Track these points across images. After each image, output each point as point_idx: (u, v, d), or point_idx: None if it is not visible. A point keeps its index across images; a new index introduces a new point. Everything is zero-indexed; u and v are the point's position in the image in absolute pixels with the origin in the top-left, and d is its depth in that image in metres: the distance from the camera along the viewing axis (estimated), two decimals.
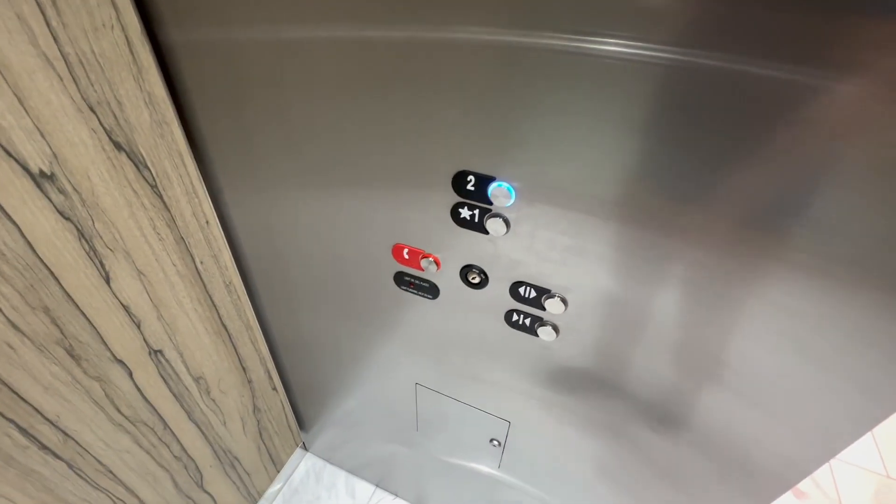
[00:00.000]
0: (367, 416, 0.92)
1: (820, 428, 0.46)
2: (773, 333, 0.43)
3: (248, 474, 0.96)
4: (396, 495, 1.15)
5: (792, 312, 0.40)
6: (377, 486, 1.16)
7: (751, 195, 0.36)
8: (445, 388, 0.72)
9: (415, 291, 0.59)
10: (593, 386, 0.58)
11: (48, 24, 0.40)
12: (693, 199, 0.38)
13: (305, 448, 1.22)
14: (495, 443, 0.75)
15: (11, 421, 0.49)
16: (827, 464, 1.31)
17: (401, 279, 0.59)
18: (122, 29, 0.46)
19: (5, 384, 0.47)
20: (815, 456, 0.49)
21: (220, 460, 0.84)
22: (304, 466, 1.20)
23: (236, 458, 0.89)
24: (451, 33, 0.37)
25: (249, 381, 0.85)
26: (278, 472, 1.09)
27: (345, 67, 0.43)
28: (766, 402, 0.47)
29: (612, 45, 0.33)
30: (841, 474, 1.29)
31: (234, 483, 0.92)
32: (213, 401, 0.77)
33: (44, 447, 0.53)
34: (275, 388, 0.94)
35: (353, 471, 1.18)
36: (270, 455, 1.02)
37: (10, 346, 0.46)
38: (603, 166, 0.39)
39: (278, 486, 1.16)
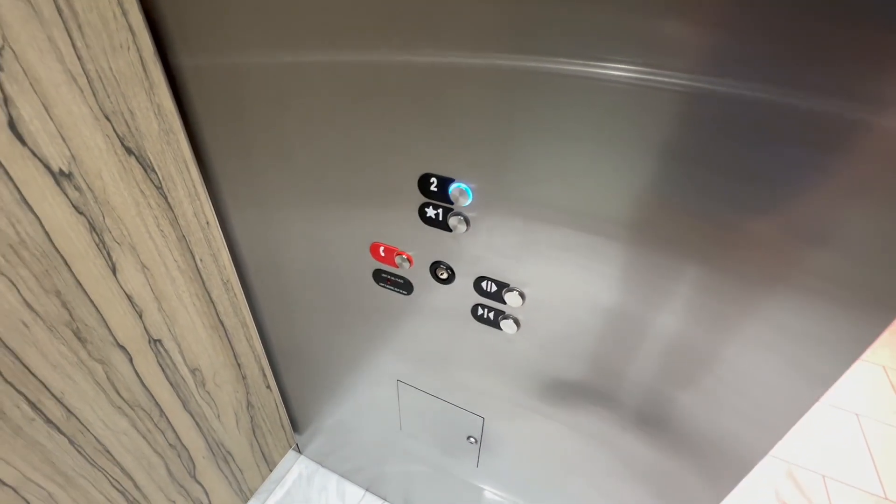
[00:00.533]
0: (356, 417, 0.96)
1: (764, 413, 0.49)
2: (725, 327, 0.46)
3: (240, 470, 1.00)
4: (385, 500, 1.17)
5: (740, 305, 0.44)
6: (367, 490, 1.18)
7: (699, 196, 0.41)
8: (423, 384, 0.76)
9: (391, 288, 0.64)
10: (556, 381, 0.61)
11: (73, 45, 0.48)
12: (625, 199, 0.43)
13: (299, 451, 1.25)
14: (472, 440, 0.79)
15: (21, 394, 0.54)
16: (822, 484, 1.29)
17: (379, 276, 0.64)
18: (137, 50, 0.54)
19: (18, 359, 0.53)
20: (763, 441, 0.51)
21: (213, 453, 0.89)
22: (297, 468, 1.23)
23: (229, 452, 0.93)
24: (416, 56, 0.43)
25: (244, 377, 0.89)
26: (271, 471, 1.12)
27: (327, 88, 0.50)
28: (721, 391, 0.51)
29: (555, 64, 0.39)
30: (837, 495, 1.27)
31: (227, 477, 0.96)
32: (208, 393, 0.82)
33: (49, 421, 0.58)
34: (269, 387, 0.98)
35: (345, 475, 1.20)
36: (263, 454, 1.06)
37: (25, 325, 0.52)
38: (547, 170, 0.44)
39: (270, 485, 1.19)
